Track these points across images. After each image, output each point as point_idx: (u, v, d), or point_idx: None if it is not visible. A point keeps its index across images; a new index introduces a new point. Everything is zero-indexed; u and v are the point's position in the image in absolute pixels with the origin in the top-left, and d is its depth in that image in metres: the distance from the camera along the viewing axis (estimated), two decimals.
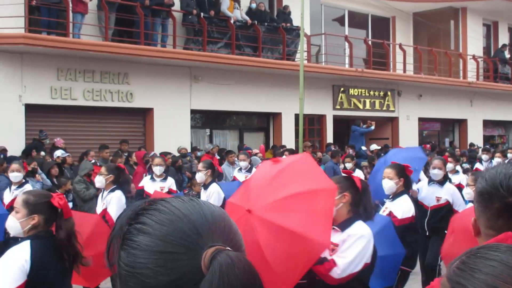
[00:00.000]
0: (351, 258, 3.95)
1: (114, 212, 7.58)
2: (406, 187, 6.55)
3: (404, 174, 6.50)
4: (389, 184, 6.45)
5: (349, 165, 12.96)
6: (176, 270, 1.17)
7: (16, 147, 13.49)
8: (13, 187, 9.49)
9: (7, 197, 9.30)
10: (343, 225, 4.13)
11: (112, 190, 7.80)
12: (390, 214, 6.29)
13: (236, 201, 4.15)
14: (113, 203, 7.67)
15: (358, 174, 12.06)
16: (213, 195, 8.59)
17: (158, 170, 9.99)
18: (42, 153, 13.29)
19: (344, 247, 4.01)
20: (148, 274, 1.18)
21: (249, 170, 11.50)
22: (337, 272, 3.91)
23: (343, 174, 5.34)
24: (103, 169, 8.06)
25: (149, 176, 10.51)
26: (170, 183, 10.26)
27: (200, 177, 8.78)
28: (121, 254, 1.22)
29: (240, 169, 12.04)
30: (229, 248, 1.19)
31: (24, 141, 14.17)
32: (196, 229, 1.21)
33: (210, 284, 1.12)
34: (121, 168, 8.33)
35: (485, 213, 1.78)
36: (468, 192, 7.75)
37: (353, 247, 4.00)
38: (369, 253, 4.05)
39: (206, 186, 8.69)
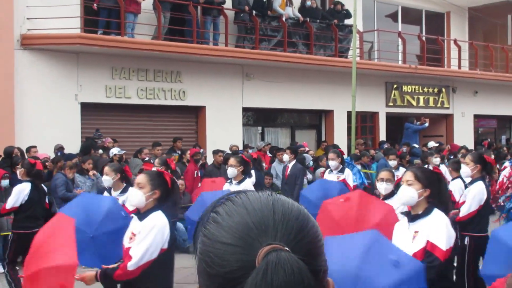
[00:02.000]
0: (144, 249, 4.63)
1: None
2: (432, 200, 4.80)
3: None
4: (411, 194, 4.76)
5: (393, 163, 12.81)
6: (231, 263, 1.16)
7: (72, 145, 13.77)
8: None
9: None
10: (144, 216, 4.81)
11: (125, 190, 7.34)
12: (428, 244, 4.49)
13: None
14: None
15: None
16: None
17: (230, 172, 8.71)
18: (100, 151, 13.54)
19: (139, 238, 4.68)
20: (209, 262, 1.18)
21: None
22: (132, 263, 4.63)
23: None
24: (107, 170, 7.62)
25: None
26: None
27: (232, 172, 8.52)
28: (198, 240, 1.24)
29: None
30: (287, 249, 1.15)
31: (80, 139, 14.46)
32: (260, 224, 1.18)
33: (253, 282, 1.11)
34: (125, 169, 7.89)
35: None
36: (465, 171, 7.60)
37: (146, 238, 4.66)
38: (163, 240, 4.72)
39: (239, 182, 8.42)
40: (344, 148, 17.38)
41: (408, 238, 4.59)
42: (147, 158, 13.36)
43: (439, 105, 22.07)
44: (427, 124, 20.38)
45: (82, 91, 14.58)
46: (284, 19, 17.46)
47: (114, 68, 15.05)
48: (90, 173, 11.83)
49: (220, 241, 1.18)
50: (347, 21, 18.78)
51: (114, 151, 13.26)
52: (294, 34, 17.87)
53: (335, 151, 11.05)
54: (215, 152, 14.14)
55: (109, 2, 14.58)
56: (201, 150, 14.64)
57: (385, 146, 17.44)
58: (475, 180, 7.48)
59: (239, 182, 8.42)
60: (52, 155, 12.81)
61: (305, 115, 20.00)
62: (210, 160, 14.62)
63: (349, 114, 17.60)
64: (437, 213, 4.57)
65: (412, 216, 4.66)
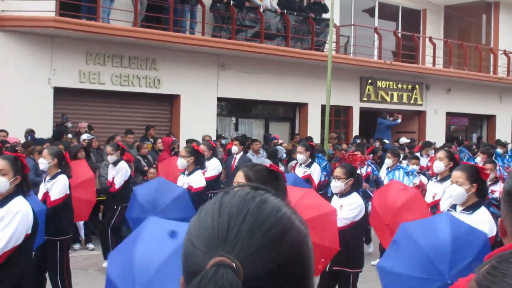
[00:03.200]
0: (10, 234, 4.56)
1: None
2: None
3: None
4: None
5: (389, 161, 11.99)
6: (191, 266, 1.16)
7: (44, 130, 13.62)
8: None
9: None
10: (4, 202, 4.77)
11: (55, 176, 7.34)
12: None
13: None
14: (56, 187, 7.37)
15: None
16: (121, 170, 9.40)
17: (180, 163, 8.67)
18: (70, 135, 13.42)
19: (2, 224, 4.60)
20: (182, 255, 1.19)
21: (309, 165, 10.33)
22: None
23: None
24: (45, 153, 7.53)
25: None
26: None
27: (181, 163, 8.46)
28: None
29: (300, 165, 10.64)
30: (234, 266, 1.09)
31: (52, 124, 14.31)
32: (223, 233, 1.14)
33: None
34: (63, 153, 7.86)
35: None
36: (438, 166, 7.69)
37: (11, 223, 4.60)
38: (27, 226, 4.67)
39: (189, 173, 8.33)
40: (317, 141, 17.45)
41: None
42: None
43: (412, 101, 22.26)
44: (399, 120, 20.55)
45: (55, 76, 14.41)
46: (261, 10, 17.44)
47: (88, 53, 14.90)
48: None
49: (190, 240, 1.18)
50: (324, 15, 18.82)
51: (84, 136, 13.16)
52: (271, 26, 17.87)
53: (304, 144, 10.83)
54: (189, 142, 14.08)
55: None
56: (175, 139, 14.60)
57: (358, 141, 17.56)
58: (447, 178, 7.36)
59: (190, 173, 8.30)
60: (23, 140, 12.67)
61: (280, 107, 20.02)
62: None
63: (323, 107, 17.65)
64: None
65: None
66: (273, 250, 1.13)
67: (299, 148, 10.49)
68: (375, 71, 20.60)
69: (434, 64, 22.17)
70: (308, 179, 9.89)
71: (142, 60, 15.73)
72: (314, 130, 19.10)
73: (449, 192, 5.19)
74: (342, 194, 6.39)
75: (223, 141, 16.05)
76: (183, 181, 8.37)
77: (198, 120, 16.54)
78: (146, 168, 12.93)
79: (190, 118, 16.50)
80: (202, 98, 16.80)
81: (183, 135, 15.79)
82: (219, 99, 17.50)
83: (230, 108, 18.80)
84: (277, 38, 18.18)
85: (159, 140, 14.30)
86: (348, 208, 6.29)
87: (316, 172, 10.22)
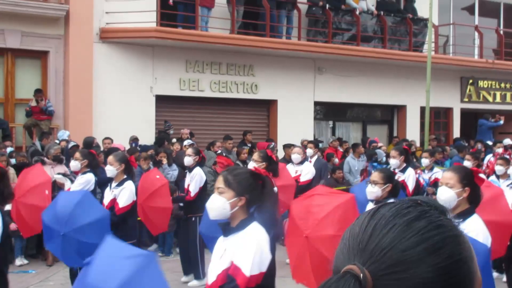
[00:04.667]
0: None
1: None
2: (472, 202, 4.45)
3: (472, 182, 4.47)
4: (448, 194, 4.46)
5: (425, 161, 11.16)
6: (334, 266, 1.20)
7: (147, 137, 14.06)
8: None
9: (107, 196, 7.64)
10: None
11: (122, 182, 7.38)
12: None
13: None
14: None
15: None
16: (195, 177, 8.99)
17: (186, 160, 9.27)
18: (174, 139, 13.78)
19: None
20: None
21: (403, 170, 9.62)
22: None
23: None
24: (111, 159, 7.62)
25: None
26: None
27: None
28: None
29: (394, 170, 10.49)
30: (360, 275, 1.11)
31: (154, 131, 14.75)
32: (367, 242, 1.16)
33: None
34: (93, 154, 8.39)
35: None
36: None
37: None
38: None
39: (190, 169, 8.99)
40: (417, 144, 17.12)
41: None
42: (219, 151, 13.51)
43: None
44: (502, 122, 19.81)
45: (157, 84, 14.86)
46: (357, 12, 17.29)
47: (188, 61, 15.26)
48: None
49: (342, 241, 1.21)
50: (422, 15, 18.42)
51: (185, 142, 13.46)
52: (368, 28, 17.68)
53: (398, 148, 10.21)
54: (287, 146, 14.15)
55: None
56: (272, 144, 14.69)
57: (461, 143, 17.09)
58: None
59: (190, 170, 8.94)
60: (128, 146, 13.11)
61: (377, 109, 19.76)
62: (281, 154, 14.64)
63: (422, 109, 17.28)
64: None
65: None
66: (410, 269, 1.11)
67: (393, 152, 9.79)
68: (476, 71, 19.96)
69: None
70: (402, 185, 9.45)
71: (239, 66, 15.95)
72: (413, 133, 18.74)
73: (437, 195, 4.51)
74: (378, 202, 5.76)
75: (320, 145, 15.99)
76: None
77: (295, 124, 16.58)
78: None
79: (287, 123, 16.57)
80: (299, 103, 16.84)
81: (280, 139, 15.87)
82: (316, 103, 17.48)
83: (327, 111, 18.72)
84: (374, 40, 17.96)
85: (256, 145, 14.44)
86: None
87: (410, 178, 9.43)
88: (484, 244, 4.08)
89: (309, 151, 12.54)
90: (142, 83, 14.65)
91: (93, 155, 8.44)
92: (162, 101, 15.05)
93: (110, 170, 7.44)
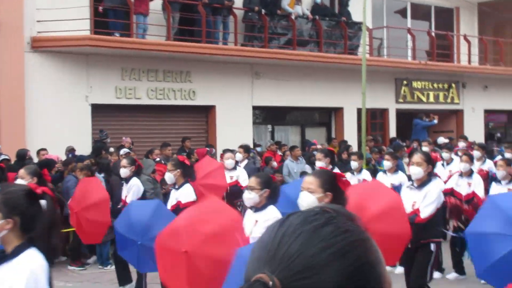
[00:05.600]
0: None
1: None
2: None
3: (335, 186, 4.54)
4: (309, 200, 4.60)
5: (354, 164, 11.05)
6: (245, 275, 1.20)
7: (83, 147, 13.80)
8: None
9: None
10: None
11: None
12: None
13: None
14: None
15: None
16: (133, 187, 8.71)
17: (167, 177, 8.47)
18: (111, 149, 13.55)
19: None
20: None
21: None
22: None
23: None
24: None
25: None
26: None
27: (124, 172, 8.65)
28: None
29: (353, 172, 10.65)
30: (269, 283, 1.12)
31: (90, 140, 14.50)
32: (275, 250, 1.17)
33: None
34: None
35: None
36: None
37: None
38: None
39: (179, 187, 7.96)
40: (354, 145, 17.37)
41: None
42: (158, 159, 13.38)
43: (449, 100, 22.00)
44: (435, 121, 20.32)
45: (92, 93, 14.62)
46: (293, 17, 17.43)
47: (124, 69, 15.08)
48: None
49: (252, 250, 1.22)
50: (356, 18, 18.72)
51: (122, 152, 13.28)
52: (303, 32, 17.86)
53: (323, 150, 10.33)
54: (225, 151, 14.12)
55: (117, 3, 14.58)
56: (213, 150, 14.65)
57: (399, 142, 17.46)
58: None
59: (179, 187, 7.86)
60: (63, 157, 12.85)
61: (315, 112, 19.97)
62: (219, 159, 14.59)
63: (359, 111, 17.54)
64: None
65: None
66: (318, 274, 1.13)
67: (318, 155, 9.72)
68: (410, 72, 20.41)
69: (469, 62, 21.90)
70: None
71: (176, 73, 15.86)
72: (350, 134, 19.00)
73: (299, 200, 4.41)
74: (257, 208, 5.55)
75: (258, 149, 16.05)
76: (174, 196, 7.95)
77: (234, 129, 16.58)
78: None
79: (226, 128, 16.56)
80: (237, 108, 16.86)
81: (220, 145, 15.84)
82: (254, 108, 17.54)
83: (266, 116, 18.81)
84: (310, 44, 18.16)
85: (195, 151, 14.36)
86: (264, 225, 5.25)
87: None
88: None
89: (238, 156, 12.58)
90: (77, 92, 14.38)
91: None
92: (98, 110, 14.81)
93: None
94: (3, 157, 11.85)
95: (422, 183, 6.67)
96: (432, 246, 6.68)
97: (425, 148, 14.94)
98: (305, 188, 4.31)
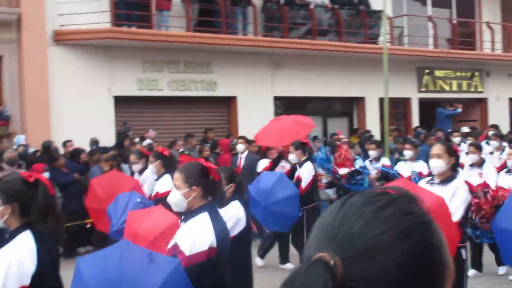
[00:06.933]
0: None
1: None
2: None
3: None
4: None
5: (373, 153, 11.32)
6: (305, 255, 1.21)
7: (106, 138, 13.93)
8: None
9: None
10: None
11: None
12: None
13: None
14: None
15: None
16: (146, 180, 8.88)
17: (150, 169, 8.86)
18: (137, 139, 13.67)
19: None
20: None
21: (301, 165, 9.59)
22: None
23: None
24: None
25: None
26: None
27: (136, 168, 8.87)
28: None
29: (371, 161, 11.01)
30: (330, 263, 1.11)
31: (114, 132, 14.63)
32: (337, 230, 1.17)
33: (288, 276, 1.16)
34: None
35: None
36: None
37: None
38: None
39: (157, 178, 8.12)
40: (377, 135, 17.30)
41: None
42: (181, 150, 13.46)
43: (472, 89, 21.78)
44: (459, 110, 20.16)
45: (114, 85, 14.74)
46: (312, 6, 17.40)
47: (145, 61, 15.18)
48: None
49: (313, 230, 1.22)
50: (376, 7, 18.62)
51: (145, 143, 13.39)
52: (323, 22, 17.81)
53: (294, 143, 9.69)
54: (248, 142, 14.17)
55: None
56: (235, 140, 14.69)
57: (421, 131, 17.35)
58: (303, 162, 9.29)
59: (158, 178, 8.05)
60: (87, 149, 12.98)
61: (337, 103, 19.91)
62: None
63: (381, 100, 17.46)
64: None
65: None
66: (379, 255, 1.12)
67: (290, 148, 9.58)
68: (432, 60, 20.26)
69: (493, 49, 21.67)
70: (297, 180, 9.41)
71: (197, 64, 15.93)
72: (372, 124, 18.93)
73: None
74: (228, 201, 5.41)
75: None
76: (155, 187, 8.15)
77: (255, 120, 16.53)
78: None
79: (247, 119, 16.57)
80: (258, 98, 16.87)
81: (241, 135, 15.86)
82: (276, 98, 17.54)
83: (287, 106, 18.76)
84: (329, 34, 18.09)
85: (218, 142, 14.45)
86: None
87: (304, 172, 9.27)
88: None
89: (240, 147, 12.62)
90: (99, 85, 14.51)
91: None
92: (121, 102, 14.93)
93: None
94: (32, 149, 12.04)
95: (446, 179, 5.73)
96: (464, 253, 5.83)
97: (457, 139, 14.81)
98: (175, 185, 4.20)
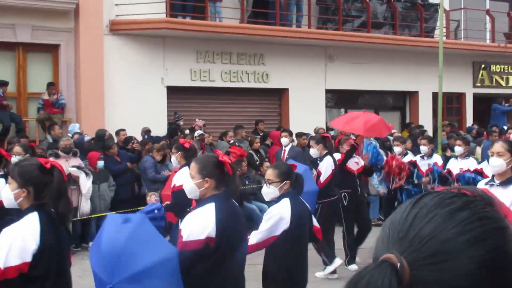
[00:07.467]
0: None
1: None
2: None
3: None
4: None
5: (397, 149, 11.13)
6: (374, 253, 1.19)
7: (159, 128, 14.08)
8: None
9: None
10: None
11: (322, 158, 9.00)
12: None
13: None
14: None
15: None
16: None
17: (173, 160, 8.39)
18: (187, 131, 13.78)
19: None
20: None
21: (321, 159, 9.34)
22: None
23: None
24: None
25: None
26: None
27: (173, 161, 8.25)
28: None
29: (423, 156, 10.83)
30: (397, 265, 1.08)
31: (166, 122, 14.77)
32: (406, 231, 1.14)
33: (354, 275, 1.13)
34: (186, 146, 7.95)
35: None
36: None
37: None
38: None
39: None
40: (429, 130, 17.05)
41: None
42: (232, 141, 13.53)
43: None
44: None
45: (168, 75, 14.87)
46: None
47: (198, 51, 15.25)
48: None
49: (383, 229, 1.20)
50: (433, 0, 18.30)
51: (196, 133, 13.47)
52: (378, 15, 17.58)
53: (314, 137, 10.04)
54: (299, 135, 14.15)
55: None
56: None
57: (475, 128, 17.02)
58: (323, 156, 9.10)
59: (179, 170, 7.68)
60: (140, 138, 13.14)
61: (389, 96, 19.67)
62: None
63: (434, 95, 17.19)
64: None
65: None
66: (449, 260, 1.09)
67: (311, 143, 9.53)
68: (489, 55, 19.82)
69: None
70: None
71: (250, 55, 15.93)
72: (425, 119, 18.67)
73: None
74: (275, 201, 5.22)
75: (331, 133, 15.94)
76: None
77: (307, 112, 16.54)
78: (258, 162, 13.09)
79: (299, 111, 16.54)
80: (310, 91, 16.80)
81: (292, 128, 15.79)
82: (327, 91, 17.43)
83: (339, 99, 18.66)
84: (384, 27, 17.87)
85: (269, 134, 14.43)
86: (265, 217, 5.09)
87: (324, 166, 9.09)
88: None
89: (284, 141, 12.60)
90: (153, 75, 14.65)
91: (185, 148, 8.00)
92: (173, 92, 15.06)
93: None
94: (87, 138, 12.26)
95: (507, 180, 5.13)
96: None
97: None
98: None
